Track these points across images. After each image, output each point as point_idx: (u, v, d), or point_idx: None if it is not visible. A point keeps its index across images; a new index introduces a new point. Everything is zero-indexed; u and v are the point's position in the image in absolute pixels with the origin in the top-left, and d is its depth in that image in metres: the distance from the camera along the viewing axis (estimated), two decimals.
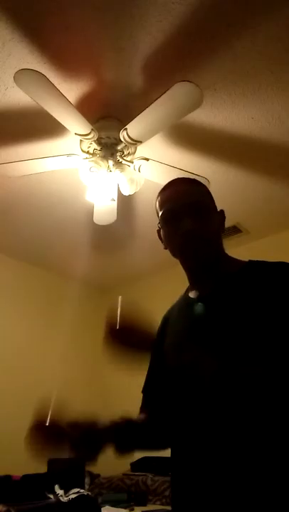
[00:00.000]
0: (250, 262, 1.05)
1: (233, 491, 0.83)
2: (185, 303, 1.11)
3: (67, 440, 0.99)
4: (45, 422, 0.98)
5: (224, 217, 1.13)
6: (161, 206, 1.09)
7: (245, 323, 0.91)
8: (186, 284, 1.13)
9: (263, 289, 0.94)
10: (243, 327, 0.91)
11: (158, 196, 1.12)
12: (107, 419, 1.04)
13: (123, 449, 1.06)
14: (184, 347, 0.94)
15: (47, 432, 0.98)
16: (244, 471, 0.83)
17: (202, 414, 0.92)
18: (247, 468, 0.83)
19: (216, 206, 1.11)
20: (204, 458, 0.89)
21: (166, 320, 1.17)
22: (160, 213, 1.09)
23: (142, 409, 1.16)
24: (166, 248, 1.10)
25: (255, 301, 0.93)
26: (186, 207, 1.04)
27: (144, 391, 1.17)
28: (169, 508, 2.46)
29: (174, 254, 1.08)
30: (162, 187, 1.13)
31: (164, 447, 1.11)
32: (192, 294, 1.10)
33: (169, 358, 1.05)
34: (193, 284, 1.11)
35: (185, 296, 1.13)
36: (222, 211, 1.12)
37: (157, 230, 1.12)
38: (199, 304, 1.05)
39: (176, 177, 1.16)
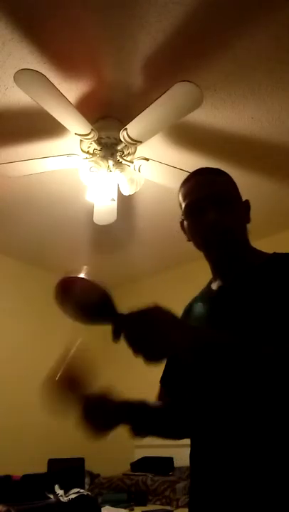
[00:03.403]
0: (275, 254, 1.02)
1: (253, 487, 0.82)
2: (206, 295, 1.10)
3: (79, 407, 0.97)
4: (60, 374, 0.97)
5: (249, 207, 1.10)
6: (184, 198, 1.07)
7: (264, 315, 0.89)
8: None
9: (286, 281, 0.92)
10: (261, 320, 0.89)
11: (180, 187, 1.10)
12: (123, 398, 1.02)
13: (137, 431, 1.04)
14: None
15: (61, 385, 0.97)
16: (265, 468, 0.82)
17: (221, 409, 0.90)
18: (268, 465, 0.82)
19: (240, 196, 1.09)
20: (224, 454, 0.88)
21: (186, 312, 1.15)
22: (183, 205, 1.07)
23: (159, 398, 1.15)
24: (189, 240, 1.08)
25: (277, 294, 0.90)
26: (208, 198, 1.02)
27: (161, 381, 1.16)
28: (168, 507, 2.46)
29: (198, 246, 1.06)
30: (185, 178, 1.11)
31: (178, 437, 1.09)
32: (214, 286, 1.08)
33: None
34: (216, 276, 1.09)
35: (207, 288, 1.11)
36: (247, 201, 1.10)
37: (180, 222, 1.10)
38: (219, 296, 1.03)
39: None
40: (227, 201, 1.03)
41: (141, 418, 1.05)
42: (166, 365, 1.16)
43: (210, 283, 1.11)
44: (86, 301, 0.89)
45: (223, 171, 1.11)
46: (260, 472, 0.82)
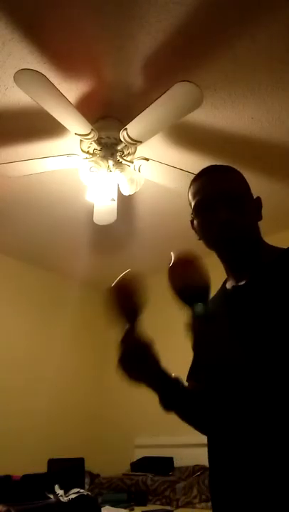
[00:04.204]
0: None
1: (273, 483, 0.82)
2: (220, 294, 1.09)
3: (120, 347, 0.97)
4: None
5: (261, 205, 1.09)
6: (194, 196, 1.06)
7: (279, 313, 0.89)
8: None
9: None
10: (276, 318, 0.89)
11: (190, 185, 1.09)
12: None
13: (166, 403, 1.02)
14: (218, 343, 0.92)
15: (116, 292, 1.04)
16: (282, 464, 0.81)
17: (239, 406, 0.90)
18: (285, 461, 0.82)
19: (251, 193, 1.07)
20: (243, 450, 0.88)
21: None
22: (193, 204, 1.06)
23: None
24: (200, 239, 1.07)
25: None
26: (219, 196, 1.00)
27: (189, 377, 1.15)
28: (168, 507, 2.46)
29: (209, 245, 1.05)
30: (195, 175, 1.10)
31: (202, 428, 1.07)
32: (228, 285, 1.07)
33: (203, 352, 1.03)
34: (230, 275, 1.08)
35: (222, 287, 1.11)
36: (258, 198, 1.09)
37: (190, 221, 1.09)
38: (233, 295, 1.02)
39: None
40: (238, 199, 1.02)
41: (173, 390, 1.03)
42: (191, 366, 1.15)
43: (225, 282, 1.10)
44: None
45: (233, 169, 1.09)
46: (281, 470, 0.82)
